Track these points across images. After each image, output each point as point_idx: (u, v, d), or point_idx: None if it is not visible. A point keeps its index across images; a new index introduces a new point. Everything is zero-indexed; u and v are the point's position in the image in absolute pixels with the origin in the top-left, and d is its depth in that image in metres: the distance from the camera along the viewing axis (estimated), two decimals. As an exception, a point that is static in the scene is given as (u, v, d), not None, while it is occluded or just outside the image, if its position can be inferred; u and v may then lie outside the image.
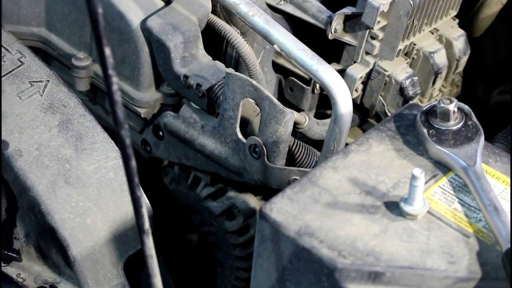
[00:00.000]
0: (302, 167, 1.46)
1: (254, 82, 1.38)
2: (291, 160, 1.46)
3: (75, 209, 1.37)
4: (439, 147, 1.16)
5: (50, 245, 1.40)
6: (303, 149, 1.47)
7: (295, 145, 1.46)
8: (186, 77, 1.49)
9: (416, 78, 1.56)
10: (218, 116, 1.46)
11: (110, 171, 1.41)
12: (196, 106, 1.50)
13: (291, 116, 1.38)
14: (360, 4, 1.50)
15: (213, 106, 1.48)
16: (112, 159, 1.42)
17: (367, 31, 1.52)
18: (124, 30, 1.52)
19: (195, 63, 1.51)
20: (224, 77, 1.46)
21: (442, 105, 1.17)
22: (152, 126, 1.56)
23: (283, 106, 1.37)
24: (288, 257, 1.10)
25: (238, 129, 1.44)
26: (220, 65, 1.52)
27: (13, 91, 1.45)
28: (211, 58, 1.53)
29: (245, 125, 1.47)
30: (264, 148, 1.41)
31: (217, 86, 1.48)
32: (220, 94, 1.47)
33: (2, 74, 1.47)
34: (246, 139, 1.44)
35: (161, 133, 1.55)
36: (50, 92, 1.46)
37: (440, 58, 1.60)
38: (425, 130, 1.18)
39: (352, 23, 1.53)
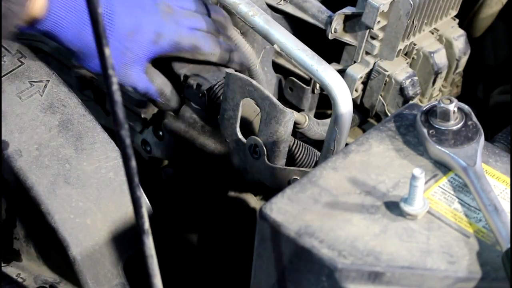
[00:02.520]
0: (302, 167, 1.46)
1: (254, 82, 1.38)
2: (291, 160, 1.46)
3: (75, 209, 1.37)
4: (439, 147, 1.16)
5: (50, 245, 1.40)
6: (303, 149, 1.47)
7: (295, 145, 1.46)
8: (186, 77, 1.49)
9: (416, 78, 1.56)
10: (219, 116, 1.46)
11: (110, 171, 1.41)
12: (196, 106, 1.50)
13: (291, 116, 1.38)
14: (360, 4, 1.50)
15: (213, 106, 1.48)
16: (112, 159, 1.42)
17: (367, 31, 1.52)
18: (124, 30, 1.52)
19: (195, 63, 1.51)
20: (224, 77, 1.46)
21: (442, 105, 1.17)
22: (152, 127, 1.56)
23: (283, 106, 1.37)
24: (288, 257, 1.10)
25: (238, 129, 1.44)
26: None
27: (13, 91, 1.45)
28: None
29: (245, 125, 1.47)
30: (264, 148, 1.41)
31: (217, 86, 1.48)
32: (220, 94, 1.47)
33: (2, 74, 1.47)
34: (246, 139, 1.44)
35: (161, 133, 1.55)
36: (50, 92, 1.46)
37: (440, 58, 1.60)
38: (425, 130, 1.18)
39: (352, 23, 1.53)
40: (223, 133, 1.46)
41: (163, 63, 1.49)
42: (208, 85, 1.48)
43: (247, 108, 1.46)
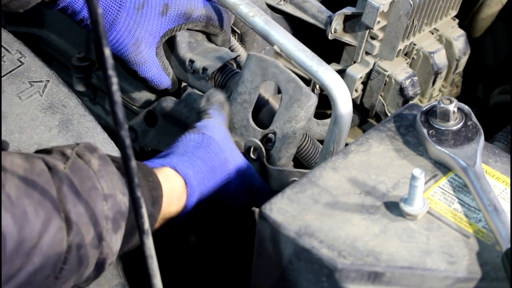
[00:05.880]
0: (308, 157, 1.44)
1: (280, 63, 1.37)
2: (299, 149, 1.44)
3: (75, 209, 1.37)
4: (439, 147, 1.16)
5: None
6: (309, 139, 1.45)
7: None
8: (191, 61, 1.49)
9: (416, 78, 1.56)
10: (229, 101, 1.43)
11: (110, 171, 1.41)
12: (200, 93, 1.49)
13: (315, 101, 1.36)
14: (360, 4, 1.50)
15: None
16: (112, 159, 1.42)
17: (367, 31, 1.52)
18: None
19: (201, 49, 1.51)
20: (229, 61, 1.46)
21: (442, 105, 1.17)
22: (145, 112, 1.54)
23: (309, 89, 1.36)
24: (288, 257, 1.10)
25: (250, 115, 1.42)
26: (225, 49, 1.51)
27: (13, 91, 1.45)
28: (215, 45, 1.53)
29: (254, 111, 1.44)
30: (264, 151, 1.40)
31: (224, 70, 1.47)
32: (227, 78, 1.46)
33: (2, 74, 1.47)
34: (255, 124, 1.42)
35: (154, 120, 1.53)
36: (50, 92, 1.46)
37: (440, 58, 1.60)
38: (425, 130, 1.18)
39: (352, 23, 1.53)
40: (231, 118, 1.44)
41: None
42: (214, 69, 1.47)
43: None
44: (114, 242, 1.08)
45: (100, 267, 1.09)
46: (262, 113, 1.45)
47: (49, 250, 1.00)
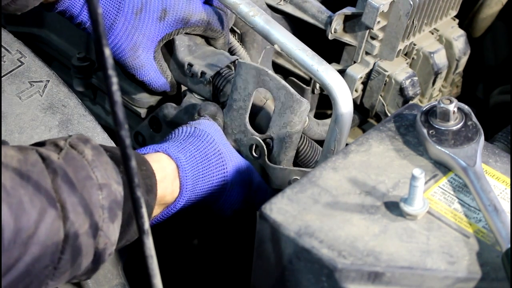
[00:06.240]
0: (306, 160, 1.45)
1: (270, 71, 1.37)
2: (296, 152, 1.45)
3: (75, 209, 1.37)
4: (439, 147, 1.16)
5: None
6: (308, 142, 1.46)
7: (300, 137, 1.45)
8: (190, 65, 1.49)
9: (416, 78, 1.56)
10: (226, 107, 1.44)
11: (110, 171, 1.41)
12: (199, 97, 1.50)
13: (307, 106, 1.37)
14: (360, 4, 1.50)
15: (218, 95, 1.47)
16: (112, 159, 1.42)
17: (367, 31, 1.52)
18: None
19: (200, 52, 1.51)
20: (227, 65, 1.46)
21: (442, 105, 1.17)
22: (149, 118, 1.55)
23: (300, 95, 1.36)
24: (288, 257, 1.10)
25: (247, 120, 1.42)
26: (224, 53, 1.52)
27: (13, 91, 1.45)
28: (214, 48, 1.53)
29: (252, 115, 1.45)
30: (265, 149, 1.40)
31: (222, 73, 1.47)
32: (226, 82, 1.46)
33: (2, 74, 1.47)
34: (253, 129, 1.43)
35: (158, 125, 1.54)
36: (50, 92, 1.46)
37: (440, 58, 1.60)
38: (425, 130, 1.18)
39: (352, 23, 1.53)
40: (230, 124, 1.44)
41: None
42: (213, 73, 1.47)
43: (254, 97, 1.44)
44: (112, 231, 1.08)
45: (99, 257, 1.09)
46: (259, 117, 1.46)
47: (46, 240, 1.00)
